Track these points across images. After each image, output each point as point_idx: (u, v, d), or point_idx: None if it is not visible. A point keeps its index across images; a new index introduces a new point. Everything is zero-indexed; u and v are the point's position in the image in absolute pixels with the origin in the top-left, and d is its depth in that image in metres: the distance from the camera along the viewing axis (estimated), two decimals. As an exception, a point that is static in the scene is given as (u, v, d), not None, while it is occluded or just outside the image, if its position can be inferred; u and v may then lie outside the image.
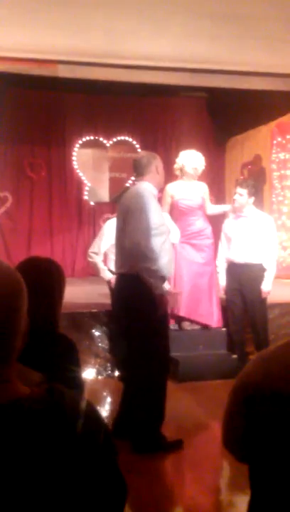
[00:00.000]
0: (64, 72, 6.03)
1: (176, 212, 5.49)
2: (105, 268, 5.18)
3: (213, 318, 5.55)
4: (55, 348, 1.88)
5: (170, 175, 5.35)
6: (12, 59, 5.79)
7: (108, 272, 5.13)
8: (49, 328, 1.93)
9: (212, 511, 3.05)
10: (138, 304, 3.59)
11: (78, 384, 1.77)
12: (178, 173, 5.56)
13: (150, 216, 3.53)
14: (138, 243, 3.50)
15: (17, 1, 4.77)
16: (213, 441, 3.60)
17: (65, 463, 0.88)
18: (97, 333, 5.48)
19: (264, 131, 8.60)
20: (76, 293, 7.07)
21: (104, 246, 5.14)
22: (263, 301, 5.28)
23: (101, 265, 5.19)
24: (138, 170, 3.79)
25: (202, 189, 5.58)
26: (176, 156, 5.63)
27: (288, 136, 8.18)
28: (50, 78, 6.23)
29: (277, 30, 5.40)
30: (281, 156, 8.24)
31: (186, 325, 5.53)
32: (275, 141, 8.33)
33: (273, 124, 8.37)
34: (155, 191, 3.74)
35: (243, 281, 5.23)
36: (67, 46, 5.68)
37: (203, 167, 5.55)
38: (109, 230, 4.92)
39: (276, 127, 8.32)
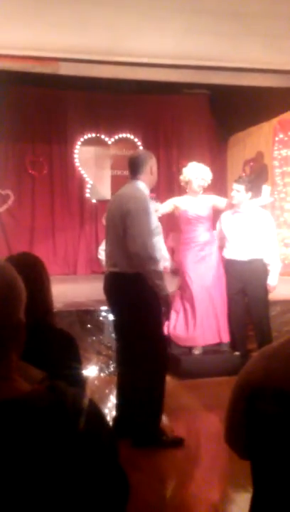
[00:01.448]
0: (65, 69, 6.03)
1: (183, 222, 5.36)
2: None
3: (224, 333, 5.42)
4: (54, 343, 1.88)
5: (173, 182, 5.15)
6: (14, 57, 5.79)
7: None
8: (46, 323, 1.94)
9: (213, 508, 3.05)
10: (138, 302, 3.57)
11: (80, 381, 1.77)
12: (182, 184, 5.42)
13: (150, 218, 3.57)
14: (145, 246, 3.51)
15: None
16: (215, 438, 3.60)
17: (67, 461, 0.88)
18: (98, 331, 5.48)
19: (266, 128, 8.58)
20: (78, 290, 7.07)
21: None
22: (266, 298, 5.26)
23: None
24: (133, 168, 3.73)
25: (211, 201, 5.40)
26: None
27: (290, 133, 8.17)
28: (51, 76, 6.23)
29: (279, 28, 5.40)
30: (283, 152, 8.22)
31: (196, 349, 5.34)
32: (277, 138, 8.31)
33: (275, 121, 8.35)
34: (147, 191, 3.71)
35: (247, 278, 5.18)
36: (69, 44, 5.68)
37: (209, 182, 5.38)
38: None
39: (279, 124, 8.30)
